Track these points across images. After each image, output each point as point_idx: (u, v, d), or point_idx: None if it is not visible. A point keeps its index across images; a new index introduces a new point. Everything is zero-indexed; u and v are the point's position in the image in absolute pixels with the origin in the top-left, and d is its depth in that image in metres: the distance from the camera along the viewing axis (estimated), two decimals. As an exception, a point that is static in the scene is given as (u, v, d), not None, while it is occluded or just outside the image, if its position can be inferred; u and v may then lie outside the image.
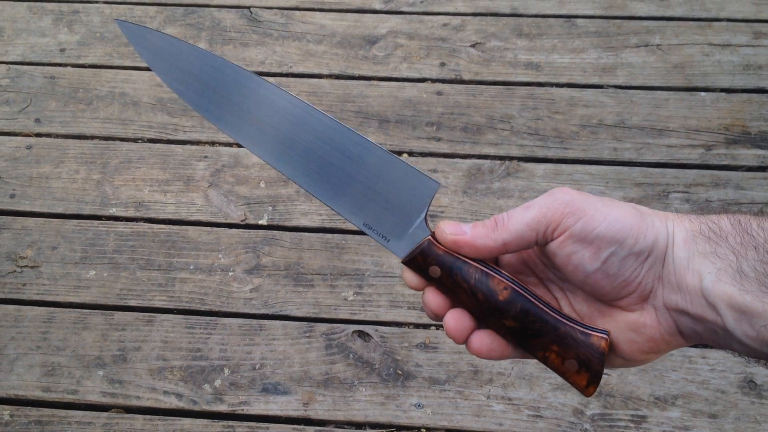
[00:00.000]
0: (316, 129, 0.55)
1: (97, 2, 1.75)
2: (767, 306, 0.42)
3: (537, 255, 0.53)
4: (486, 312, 0.50)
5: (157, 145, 1.50)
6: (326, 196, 0.55)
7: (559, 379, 1.18)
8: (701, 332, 0.47)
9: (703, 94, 1.54)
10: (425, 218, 0.53)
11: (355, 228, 1.37)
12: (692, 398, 1.17)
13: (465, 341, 0.51)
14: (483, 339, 0.51)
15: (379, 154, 0.54)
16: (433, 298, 0.52)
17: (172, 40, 0.59)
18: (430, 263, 0.52)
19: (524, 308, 0.50)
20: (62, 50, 1.66)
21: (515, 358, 0.53)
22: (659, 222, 0.47)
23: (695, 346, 1.22)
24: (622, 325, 0.50)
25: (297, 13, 1.72)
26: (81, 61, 1.65)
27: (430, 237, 0.52)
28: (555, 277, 0.53)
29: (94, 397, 1.20)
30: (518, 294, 0.50)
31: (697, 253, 0.45)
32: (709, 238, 0.45)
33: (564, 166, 1.44)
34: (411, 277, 0.53)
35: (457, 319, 0.51)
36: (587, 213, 0.47)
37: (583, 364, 0.50)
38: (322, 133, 0.55)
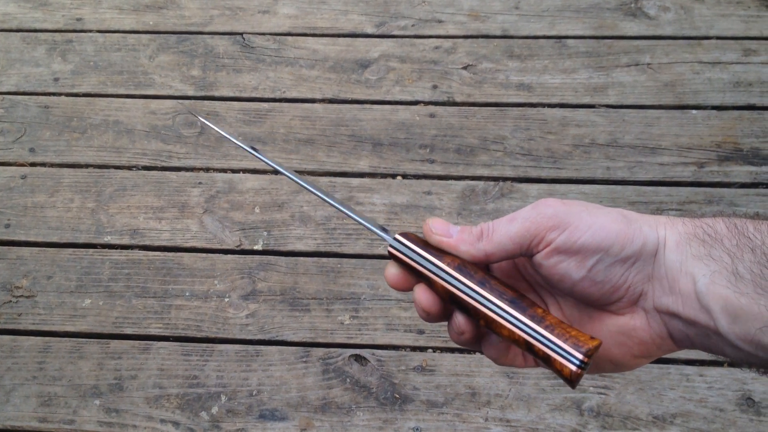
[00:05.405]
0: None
1: (90, 31, 1.76)
2: (763, 308, 0.41)
3: (526, 260, 0.53)
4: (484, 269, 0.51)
5: (152, 173, 1.50)
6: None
7: (557, 400, 1.18)
8: (692, 336, 0.46)
9: (694, 111, 1.55)
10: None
11: (350, 251, 1.37)
12: (690, 417, 1.17)
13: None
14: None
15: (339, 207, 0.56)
16: (424, 293, 0.52)
17: None
18: None
19: None
20: (56, 80, 1.67)
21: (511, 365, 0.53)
22: (647, 227, 0.47)
23: (692, 363, 1.22)
24: (612, 329, 0.49)
25: (289, 38, 1.73)
26: (75, 90, 1.65)
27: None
28: (545, 282, 0.53)
29: (90, 427, 1.19)
30: None
31: (690, 256, 0.45)
32: (703, 241, 0.45)
33: (557, 186, 1.45)
34: (396, 272, 0.53)
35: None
36: (571, 224, 0.47)
37: None
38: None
